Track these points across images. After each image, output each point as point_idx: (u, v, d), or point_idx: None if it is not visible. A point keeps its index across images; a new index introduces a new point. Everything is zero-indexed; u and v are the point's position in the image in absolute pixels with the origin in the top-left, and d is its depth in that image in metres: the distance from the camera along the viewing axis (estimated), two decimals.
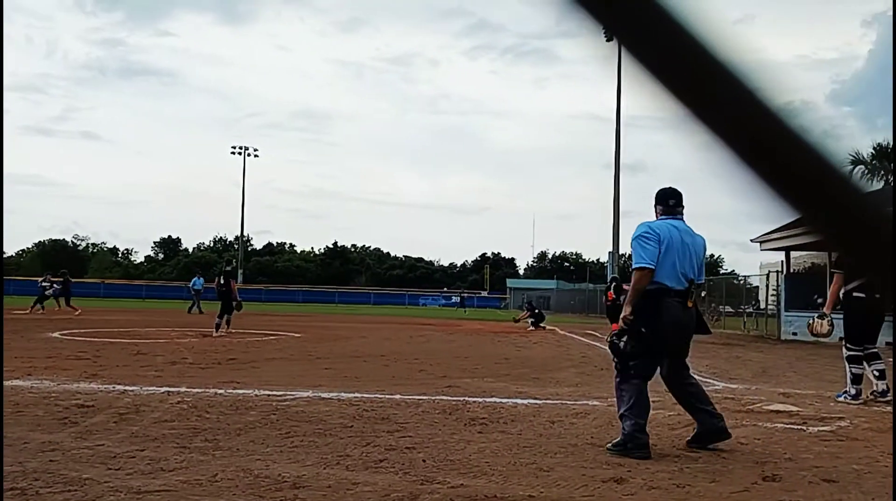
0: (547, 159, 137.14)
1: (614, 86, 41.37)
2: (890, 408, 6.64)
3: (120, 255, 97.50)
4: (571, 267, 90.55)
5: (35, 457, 3.81)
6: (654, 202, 4.79)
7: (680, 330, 4.54)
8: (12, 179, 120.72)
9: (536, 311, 22.76)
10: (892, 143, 15.83)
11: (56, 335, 13.21)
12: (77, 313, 21.28)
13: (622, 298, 9.06)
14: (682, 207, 4.74)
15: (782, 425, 5.53)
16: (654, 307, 4.44)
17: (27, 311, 21.07)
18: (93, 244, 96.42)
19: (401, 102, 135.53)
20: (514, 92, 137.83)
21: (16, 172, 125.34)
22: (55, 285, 23.42)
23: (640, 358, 4.45)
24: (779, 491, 3.60)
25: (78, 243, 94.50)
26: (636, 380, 4.45)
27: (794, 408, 6.37)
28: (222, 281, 14.52)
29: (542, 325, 21.84)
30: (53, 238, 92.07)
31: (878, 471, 4.10)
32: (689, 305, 4.54)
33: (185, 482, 3.43)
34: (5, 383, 6.52)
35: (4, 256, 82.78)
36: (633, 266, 4.52)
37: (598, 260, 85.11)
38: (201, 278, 28.39)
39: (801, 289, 24.32)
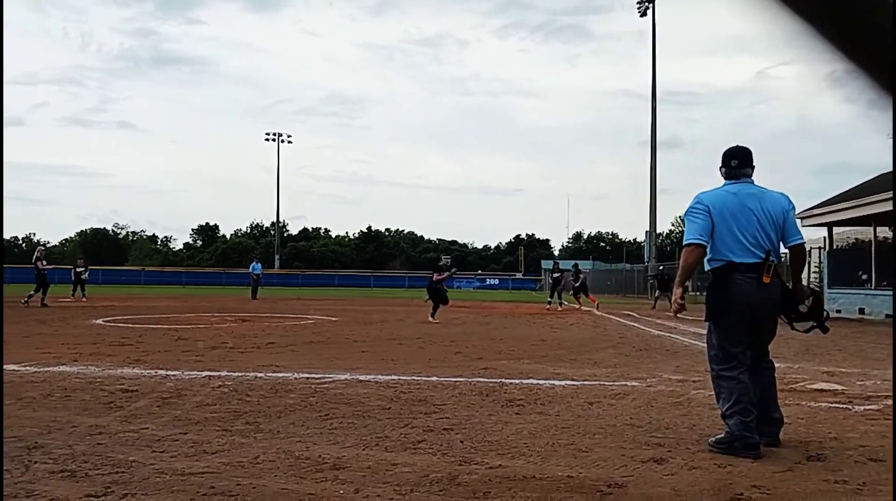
0: (580, 138, 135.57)
1: (649, 61, 40.66)
2: None
3: (159, 242, 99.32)
4: (608, 247, 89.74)
5: (83, 440, 3.91)
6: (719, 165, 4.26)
7: (755, 310, 3.98)
8: (53, 171, 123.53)
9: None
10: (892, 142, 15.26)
11: (100, 321, 13.53)
12: (83, 300, 21.37)
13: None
14: (751, 167, 4.15)
15: (827, 404, 5.42)
16: (720, 287, 4.03)
17: (71, 299, 21.62)
18: (132, 232, 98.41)
19: (431, 84, 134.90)
20: (545, 70, 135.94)
21: (56, 163, 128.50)
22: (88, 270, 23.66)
23: (726, 345, 4.02)
24: (823, 471, 3.54)
25: (118, 231, 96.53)
26: (730, 372, 3.98)
27: (839, 387, 6.24)
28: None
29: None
30: (94, 227, 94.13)
31: None
32: (766, 279, 3.95)
33: (227, 464, 3.49)
34: (55, 368, 6.71)
35: (49, 245, 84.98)
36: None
37: (634, 240, 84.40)
38: (259, 264, 28.79)
39: (844, 266, 23.80)
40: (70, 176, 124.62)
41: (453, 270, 22.74)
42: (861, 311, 21.09)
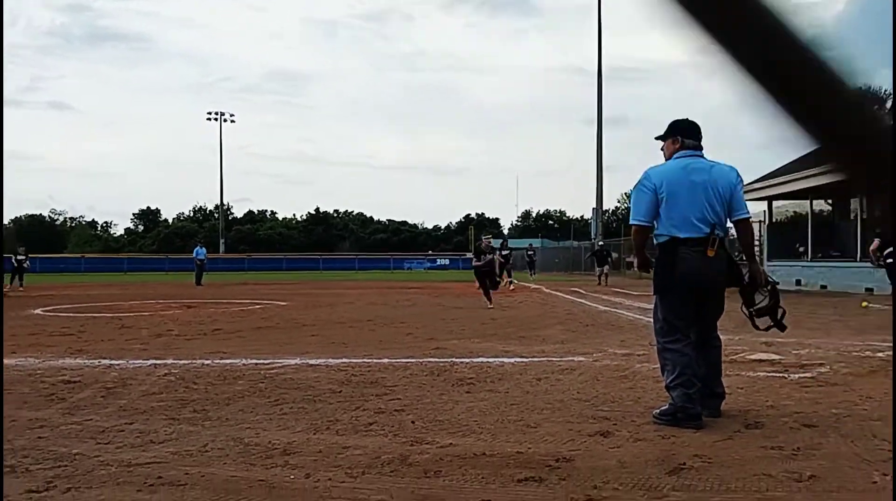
0: (528, 115, 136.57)
1: (595, 37, 40.96)
2: (869, 353, 6.78)
3: (99, 228, 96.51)
4: (556, 225, 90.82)
5: (23, 434, 3.80)
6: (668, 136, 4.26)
7: (700, 283, 4.04)
8: None
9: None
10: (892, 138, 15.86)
11: (38, 311, 13.11)
12: (20, 290, 20.65)
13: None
14: (699, 139, 4.18)
15: (764, 373, 5.63)
16: (666, 261, 4.09)
17: (8, 287, 20.87)
18: (70, 218, 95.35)
19: (377, 61, 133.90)
20: (492, 46, 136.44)
21: None
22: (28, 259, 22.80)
23: (671, 318, 4.08)
24: (761, 438, 3.68)
25: (55, 217, 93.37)
26: (674, 345, 4.04)
27: (776, 357, 6.49)
28: None
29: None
30: (30, 213, 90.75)
31: (856, 414, 4.20)
32: (710, 253, 3.99)
33: (175, 453, 3.44)
34: None
35: None
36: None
37: (582, 217, 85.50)
38: (203, 249, 28.09)
39: (783, 239, 24.63)
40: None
41: (500, 253, 22.08)
42: (798, 282, 21.87)
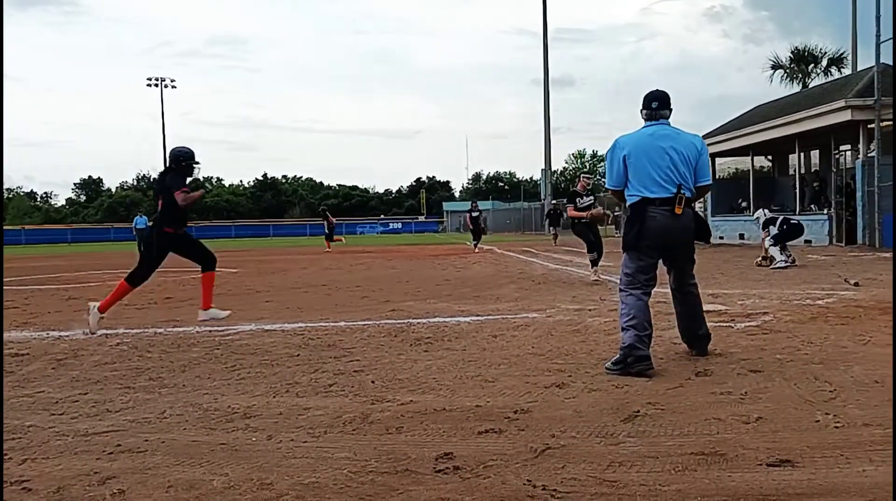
0: (476, 77, 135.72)
1: None
2: (809, 301, 7.05)
3: (38, 199, 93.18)
4: (506, 187, 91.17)
5: None
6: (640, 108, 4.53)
7: (668, 237, 4.34)
8: None
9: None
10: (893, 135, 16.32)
11: None
12: None
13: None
14: (668, 109, 4.50)
15: (712, 323, 5.78)
16: (636, 219, 4.38)
17: None
18: (7, 190, 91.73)
19: (322, 23, 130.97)
20: (440, 8, 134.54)
21: None
22: None
23: (634, 271, 4.39)
24: (710, 385, 3.82)
25: None
26: (633, 291, 4.35)
27: (723, 307, 6.70)
28: None
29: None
30: None
31: (799, 359, 4.39)
32: (678, 211, 4.30)
33: (132, 421, 3.41)
34: None
35: None
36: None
37: (531, 178, 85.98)
38: (144, 217, 27.42)
39: (726, 195, 25.22)
40: None
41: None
42: (741, 236, 22.51)
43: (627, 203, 4.52)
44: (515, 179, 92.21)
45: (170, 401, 3.77)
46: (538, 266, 14.00)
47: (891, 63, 16.68)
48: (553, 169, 43.28)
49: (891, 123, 16.95)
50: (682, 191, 4.32)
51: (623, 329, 4.26)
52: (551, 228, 26.85)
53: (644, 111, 4.52)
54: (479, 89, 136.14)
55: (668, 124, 4.49)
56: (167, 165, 7.03)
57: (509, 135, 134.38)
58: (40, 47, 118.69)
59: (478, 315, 6.74)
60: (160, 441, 3.07)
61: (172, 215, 6.66)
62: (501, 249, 21.65)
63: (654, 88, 4.56)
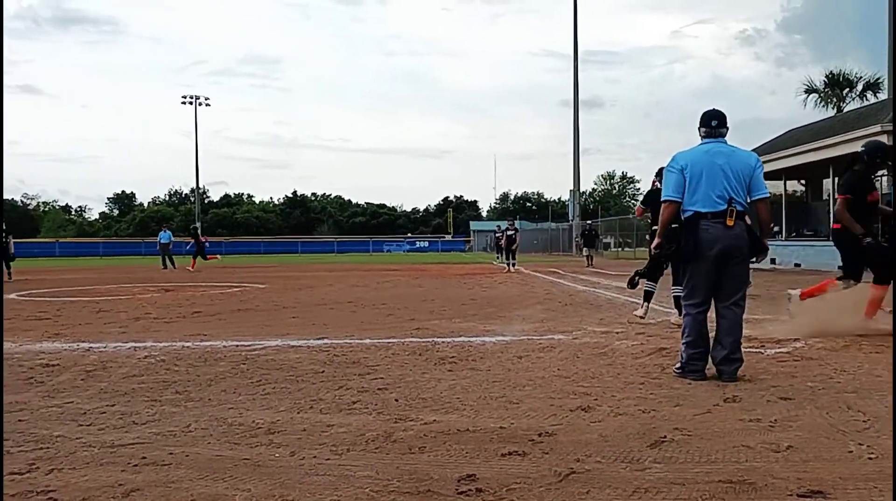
0: (504, 98, 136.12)
1: (570, 19, 40.84)
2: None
3: (73, 213, 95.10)
4: (534, 207, 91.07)
5: (3, 417, 3.76)
6: (697, 125, 4.77)
7: (722, 246, 4.48)
8: None
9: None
10: (892, 140, 16.08)
11: (13, 296, 12.92)
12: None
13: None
14: (726, 128, 4.71)
15: (742, 349, 5.71)
16: (690, 233, 4.56)
17: None
18: (43, 203, 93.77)
19: (352, 43, 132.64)
20: (468, 30, 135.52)
21: None
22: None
23: (692, 285, 4.64)
24: (739, 411, 3.75)
25: (27, 202, 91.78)
26: (691, 312, 4.63)
27: (752, 333, 6.58)
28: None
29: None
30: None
31: (831, 387, 4.29)
32: (730, 222, 4.48)
33: (158, 434, 3.43)
34: None
35: None
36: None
37: (559, 199, 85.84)
38: (168, 232, 27.82)
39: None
40: None
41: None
42: (773, 261, 22.17)
43: (683, 218, 4.66)
44: (543, 200, 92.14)
45: (195, 415, 3.80)
46: (565, 288, 13.91)
47: None
48: (581, 190, 43.06)
49: None
50: (733, 205, 4.49)
51: (683, 344, 4.66)
52: (584, 249, 26.62)
53: (702, 129, 4.72)
54: (507, 110, 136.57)
55: (725, 142, 4.69)
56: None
57: (537, 155, 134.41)
58: (78, 65, 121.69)
59: (503, 336, 6.71)
60: (184, 454, 3.08)
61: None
62: (528, 269, 21.57)
63: (712, 108, 4.76)
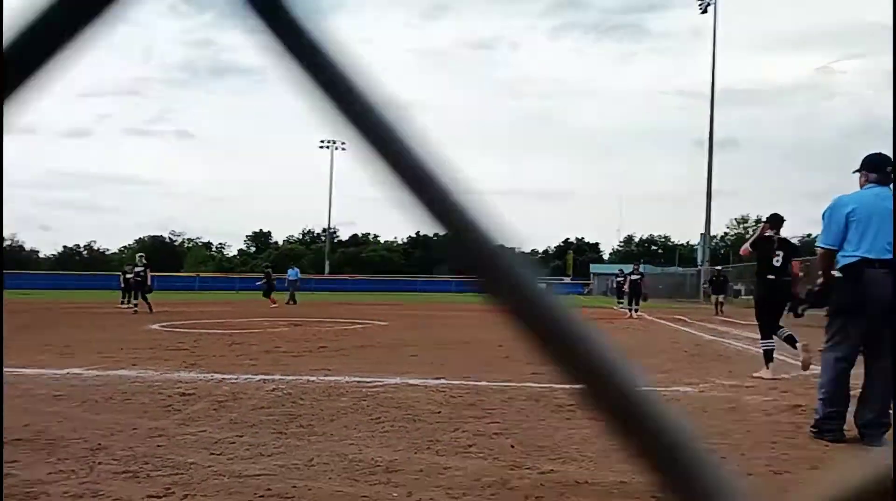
0: (633, 139, 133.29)
1: (706, 58, 39.89)
2: None
3: (213, 249, 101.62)
4: (659, 250, 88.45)
5: (144, 442, 4.04)
6: (859, 169, 4.54)
7: (885, 301, 4.10)
8: (115, 180, 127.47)
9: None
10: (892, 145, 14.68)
11: (156, 327, 13.91)
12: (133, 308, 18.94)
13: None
14: (885, 171, 4.45)
15: None
16: (851, 280, 4.27)
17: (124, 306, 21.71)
18: (188, 239, 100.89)
19: (482, 88, 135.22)
20: (598, 70, 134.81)
21: (117, 173, 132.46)
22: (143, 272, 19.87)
23: (839, 337, 4.30)
24: None
25: (174, 238, 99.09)
26: (833, 362, 4.31)
27: None
28: None
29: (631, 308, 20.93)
30: (152, 234, 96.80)
31: None
32: None
33: (282, 466, 3.56)
34: (115, 372, 6.94)
35: (109, 253, 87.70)
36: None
37: (687, 243, 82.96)
38: (296, 270, 29.18)
39: None
40: (129, 184, 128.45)
41: (630, 277, 20.04)
42: None
43: (839, 264, 4.39)
44: (670, 243, 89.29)
45: (318, 449, 3.92)
46: (691, 336, 13.35)
47: None
48: (712, 234, 41.44)
49: None
50: None
51: (819, 399, 4.34)
52: (713, 296, 25.40)
53: (872, 174, 4.46)
54: (635, 150, 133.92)
55: (888, 187, 4.44)
56: None
57: (665, 197, 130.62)
58: (228, 111, 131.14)
59: None
60: (307, 487, 3.18)
61: None
62: (652, 316, 20.87)
63: (876, 152, 4.52)
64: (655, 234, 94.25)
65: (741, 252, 9.06)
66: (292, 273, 28.44)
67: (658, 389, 6.24)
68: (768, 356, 7.10)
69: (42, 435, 4.18)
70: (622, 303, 22.03)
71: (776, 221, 7.61)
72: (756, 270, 7.53)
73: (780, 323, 7.18)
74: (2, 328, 4.91)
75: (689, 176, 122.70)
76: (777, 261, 7.18)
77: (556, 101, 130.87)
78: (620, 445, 0.34)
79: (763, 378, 6.97)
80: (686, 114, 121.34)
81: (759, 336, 7.37)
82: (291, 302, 26.29)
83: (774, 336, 7.09)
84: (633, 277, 20.99)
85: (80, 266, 77.44)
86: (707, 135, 40.54)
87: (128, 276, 21.33)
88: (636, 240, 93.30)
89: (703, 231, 43.15)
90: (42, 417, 4.72)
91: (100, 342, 10.43)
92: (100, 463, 3.56)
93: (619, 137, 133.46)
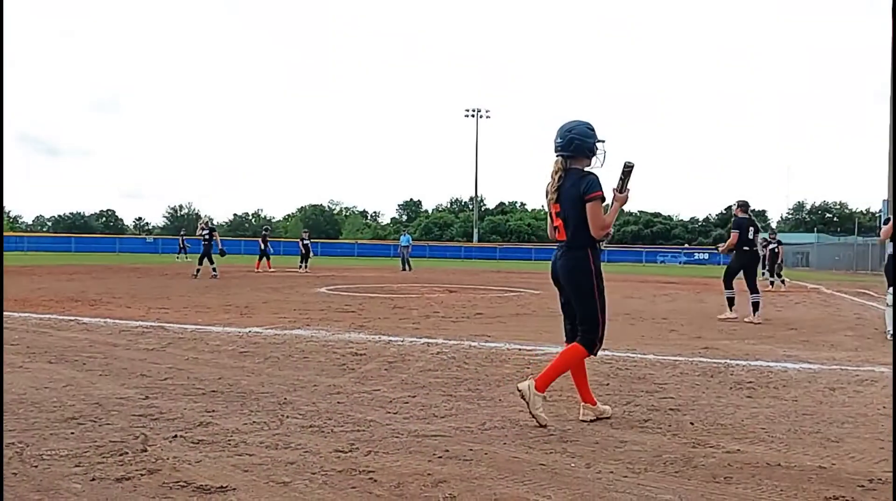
0: (801, 94, 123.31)
1: None
2: None
3: (369, 217, 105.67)
4: (835, 218, 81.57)
5: (325, 399, 4.23)
6: None
7: None
8: (277, 160, 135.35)
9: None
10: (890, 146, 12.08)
11: (324, 290, 14.66)
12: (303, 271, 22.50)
13: None
14: None
15: None
16: None
17: (301, 270, 23.67)
18: (345, 208, 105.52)
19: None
20: (756, 29, 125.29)
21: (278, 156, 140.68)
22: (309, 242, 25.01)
23: None
24: None
25: (333, 207, 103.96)
26: None
27: None
28: None
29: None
30: (312, 203, 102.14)
31: None
32: None
33: (457, 428, 3.60)
34: (291, 331, 7.36)
35: (274, 220, 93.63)
36: None
37: (868, 210, 76.04)
38: (408, 236, 29.61)
39: None
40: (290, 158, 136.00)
41: (765, 246, 19.13)
42: None
43: None
44: (847, 211, 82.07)
45: (488, 414, 3.93)
46: (880, 312, 12.17)
47: None
48: None
49: None
50: None
51: None
52: None
53: None
54: (804, 107, 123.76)
55: None
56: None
57: (841, 160, 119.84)
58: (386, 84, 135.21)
59: (808, 362, 6.02)
60: (483, 452, 3.18)
61: None
62: (830, 288, 19.30)
63: None
64: (830, 200, 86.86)
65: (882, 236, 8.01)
66: (404, 239, 28.86)
67: (848, 368, 5.73)
68: None
69: (233, 388, 4.50)
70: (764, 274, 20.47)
71: None
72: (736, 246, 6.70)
73: None
74: (2, 315, 5.18)
75: (868, 134, 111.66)
76: None
77: (711, 65, 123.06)
78: None
79: None
80: (862, 62, 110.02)
81: None
82: (407, 268, 26.60)
83: None
84: (771, 246, 19.68)
85: (249, 233, 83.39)
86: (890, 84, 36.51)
87: (305, 242, 24.03)
88: (808, 207, 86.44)
89: (886, 197, 39.14)
90: (232, 371, 5.08)
91: (275, 302, 11.14)
92: (287, 417, 3.76)
93: (784, 95, 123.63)
